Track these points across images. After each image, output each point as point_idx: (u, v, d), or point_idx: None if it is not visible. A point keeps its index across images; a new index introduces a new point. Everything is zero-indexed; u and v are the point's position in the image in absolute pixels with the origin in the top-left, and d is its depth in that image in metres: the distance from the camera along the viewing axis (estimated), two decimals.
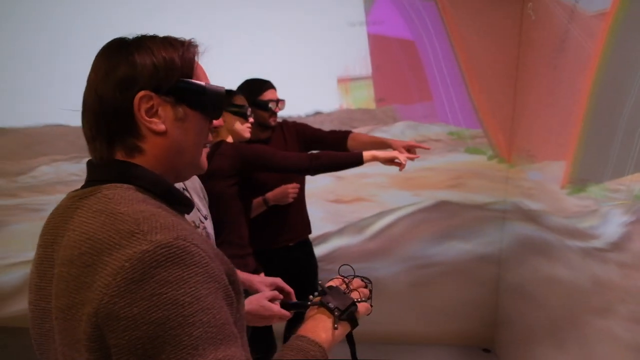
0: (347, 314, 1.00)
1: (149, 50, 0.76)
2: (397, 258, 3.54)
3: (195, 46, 0.83)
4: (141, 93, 0.73)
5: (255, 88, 2.40)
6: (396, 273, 3.56)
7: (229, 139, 2.10)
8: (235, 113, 2.08)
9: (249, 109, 2.13)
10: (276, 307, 1.35)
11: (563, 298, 2.44)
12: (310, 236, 2.81)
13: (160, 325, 0.58)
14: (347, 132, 2.52)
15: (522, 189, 3.11)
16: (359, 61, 3.30)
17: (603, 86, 2.18)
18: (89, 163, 0.77)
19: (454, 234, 3.47)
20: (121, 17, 3.29)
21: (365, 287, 1.15)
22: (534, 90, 2.97)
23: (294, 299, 1.49)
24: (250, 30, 3.26)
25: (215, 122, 0.85)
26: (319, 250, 3.45)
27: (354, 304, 1.03)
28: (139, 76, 0.74)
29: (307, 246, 2.71)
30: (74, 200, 0.72)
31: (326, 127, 2.86)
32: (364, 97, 3.35)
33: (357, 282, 1.14)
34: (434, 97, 3.30)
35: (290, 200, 2.39)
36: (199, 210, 1.44)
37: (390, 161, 2.16)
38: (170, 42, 0.79)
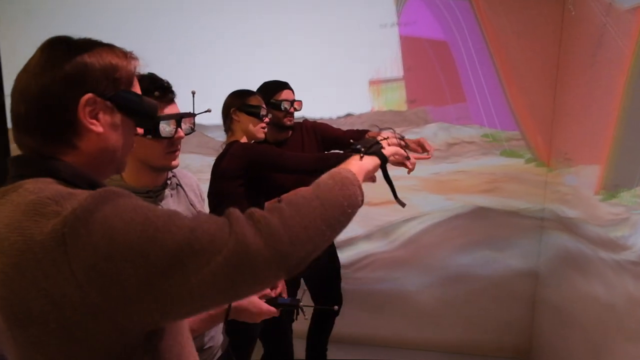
0: (371, 150, 1.09)
1: (98, 55, 0.79)
2: (427, 267, 3.44)
3: (137, 59, 0.86)
4: (88, 95, 0.77)
5: (271, 89, 2.43)
6: (425, 284, 3.46)
7: (243, 139, 2.15)
8: (248, 113, 2.12)
9: (264, 110, 2.16)
10: (265, 304, 1.38)
11: (599, 318, 2.28)
12: (337, 239, 2.81)
13: (132, 244, 0.66)
14: (364, 131, 2.50)
15: (560, 194, 2.95)
16: (391, 63, 3.27)
17: (636, 86, 2.03)
18: (10, 160, 0.78)
19: (489, 243, 3.33)
20: (156, 19, 3.45)
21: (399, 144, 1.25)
22: (572, 90, 2.81)
23: (285, 296, 1.51)
24: (282, 33, 3.32)
25: (139, 129, 0.90)
26: (345, 256, 3.44)
27: (377, 142, 1.13)
28: (87, 78, 0.77)
29: (330, 248, 2.72)
30: None
31: (358, 128, 2.86)
32: (396, 99, 3.32)
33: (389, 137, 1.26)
34: (468, 98, 3.21)
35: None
36: (192, 206, 1.47)
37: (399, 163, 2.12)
38: (115, 52, 0.83)
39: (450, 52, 3.17)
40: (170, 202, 1.40)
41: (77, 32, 0.84)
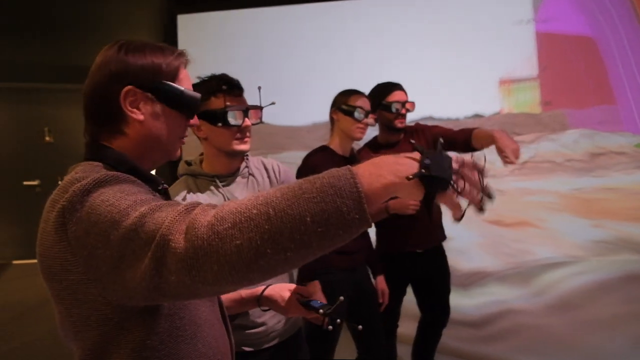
0: (432, 181, 0.72)
1: (141, 53, 0.90)
2: (583, 344, 2.45)
3: (184, 56, 0.95)
4: (127, 87, 0.87)
5: (382, 90, 2.35)
6: None
7: (336, 141, 2.12)
8: (345, 112, 2.09)
9: (361, 110, 2.11)
10: (295, 302, 1.35)
11: None
12: (467, 271, 2.60)
13: (100, 222, 0.72)
14: (472, 130, 2.29)
15: None
16: (524, 62, 3.01)
17: None
18: (85, 144, 0.92)
19: None
20: (286, 30, 3.60)
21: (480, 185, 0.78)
22: None
23: (321, 300, 1.46)
24: (408, 30, 3.23)
25: (191, 121, 0.97)
26: (474, 299, 2.91)
27: (447, 181, 0.73)
28: (128, 73, 0.88)
29: (438, 254, 2.53)
30: (67, 174, 0.87)
31: None
32: (528, 100, 3.04)
33: (472, 167, 0.78)
34: (619, 100, 2.83)
35: (410, 212, 2.26)
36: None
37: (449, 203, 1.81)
38: (162, 50, 0.93)
39: (597, 48, 2.84)
40: (236, 188, 1.52)
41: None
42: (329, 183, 0.65)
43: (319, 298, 1.55)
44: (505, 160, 1.81)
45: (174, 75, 0.92)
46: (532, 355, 2.54)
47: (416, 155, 0.73)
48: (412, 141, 0.80)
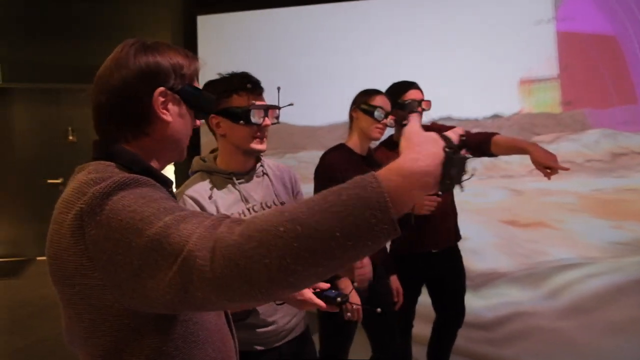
0: (446, 186, 0.68)
1: (167, 55, 0.91)
2: (596, 348, 2.42)
3: (197, 60, 0.97)
4: (161, 89, 0.88)
5: (398, 89, 2.35)
6: None
7: (355, 139, 2.11)
8: (365, 112, 2.09)
9: (381, 110, 2.11)
10: (309, 294, 1.37)
11: None
12: (480, 271, 2.58)
13: (121, 228, 0.71)
14: (490, 135, 2.24)
15: None
16: (544, 61, 2.98)
17: None
18: (92, 143, 0.91)
19: None
20: (298, 28, 3.63)
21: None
22: None
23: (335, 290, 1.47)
24: (428, 29, 3.22)
25: (197, 122, 0.99)
26: (486, 300, 2.90)
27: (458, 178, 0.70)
28: (159, 74, 0.89)
29: (454, 254, 2.52)
30: (74, 174, 0.87)
31: (504, 132, 2.64)
32: (548, 100, 3.00)
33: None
34: None
35: (425, 212, 2.25)
36: (276, 195, 1.58)
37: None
38: (180, 53, 0.94)
39: (619, 47, 2.79)
40: (252, 186, 1.53)
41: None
42: (356, 195, 0.63)
43: (353, 296, 1.56)
44: (548, 174, 1.80)
45: (193, 77, 0.94)
46: (544, 359, 2.51)
47: (440, 150, 0.67)
48: (445, 135, 0.73)
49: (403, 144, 0.70)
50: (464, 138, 0.74)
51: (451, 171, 0.67)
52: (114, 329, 0.76)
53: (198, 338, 0.85)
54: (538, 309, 2.76)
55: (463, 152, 0.73)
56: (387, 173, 0.65)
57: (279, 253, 0.62)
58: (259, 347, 1.51)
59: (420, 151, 0.67)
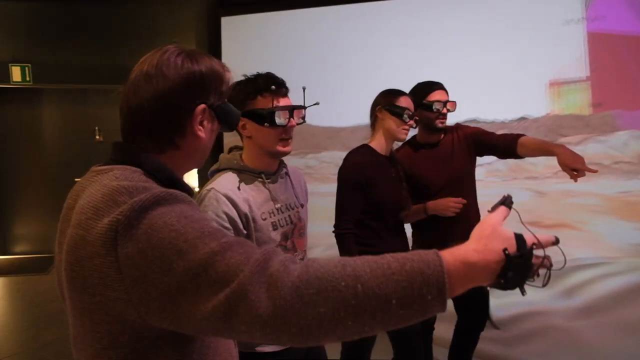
0: (500, 285, 0.70)
1: (210, 67, 0.89)
2: (611, 349, 2.43)
3: (230, 71, 0.94)
4: (202, 106, 0.87)
5: (423, 89, 2.32)
6: None
7: (380, 139, 2.10)
8: (393, 113, 2.07)
9: (409, 112, 2.09)
10: None
11: None
12: None
13: (162, 247, 0.69)
14: (517, 137, 2.20)
15: None
16: (574, 62, 2.91)
17: None
18: (113, 144, 0.89)
19: None
20: (308, 29, 3.62)
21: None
22: None
23: None
24: (454, 29, 3.17)
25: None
26: (500, 299, 2.82)
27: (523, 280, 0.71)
28: (201, 89, 0.87)
29: None
30: (93, 174, 0.85)
31: (531, 134, 2.57)
32: (577, 102, 2.94)
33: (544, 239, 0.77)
34: None
35: (450, 214, 2.21)
36: (296, 197, 1.63)
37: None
38: (220, 65, 0.91)
39: None
40: (278, 187, 1.56)
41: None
42: (419, 269, 0.65)
43: None
44: (575, 176, 1.77)
45: (228, 92, 0.94)
46: (558, 358, 2.49)
47: (502, 246, 0.69)
48: (521, 235, 0.73)
49: (476, 230, 0.73)
50: (535, 246, 0.74)
51: (508, 274, 0.69)
52: (132, 340, 0.75)
53: (209, 350, 0.84)
54: (553, 308, 2.73)
55: (535, 257, 0.73)
56: (450, 257, 0.68)
57: (335, 305, 0.64)
58: (269, 349, 1.49)
59: (487, 244, 0.69)
